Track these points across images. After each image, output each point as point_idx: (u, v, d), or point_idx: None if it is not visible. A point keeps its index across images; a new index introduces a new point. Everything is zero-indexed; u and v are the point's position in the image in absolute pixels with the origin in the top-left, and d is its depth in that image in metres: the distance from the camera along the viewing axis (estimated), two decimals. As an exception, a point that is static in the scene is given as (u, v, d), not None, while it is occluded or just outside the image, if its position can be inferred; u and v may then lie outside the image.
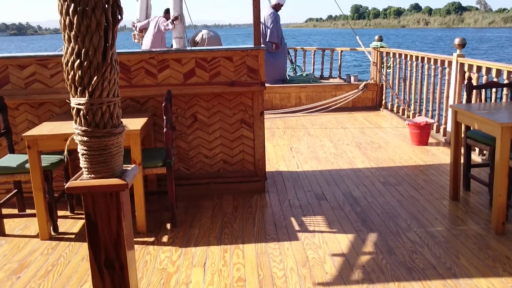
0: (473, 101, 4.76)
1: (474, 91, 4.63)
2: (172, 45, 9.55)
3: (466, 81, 4.10)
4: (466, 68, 5.38)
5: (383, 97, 8.04)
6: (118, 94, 1.65)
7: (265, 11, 8.50)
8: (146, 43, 9.65)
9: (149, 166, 3.54)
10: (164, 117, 3.48)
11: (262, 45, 4.19)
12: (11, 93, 3.90)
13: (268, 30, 8.44)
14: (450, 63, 5.71)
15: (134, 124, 3.50)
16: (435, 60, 6.13)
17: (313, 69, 9.48)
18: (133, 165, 1.81)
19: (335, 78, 9.16)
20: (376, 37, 7.95)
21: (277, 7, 8.70)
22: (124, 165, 1.75)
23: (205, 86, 4.01)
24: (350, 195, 4.21)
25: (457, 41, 5.52)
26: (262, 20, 8.52)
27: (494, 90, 4.72)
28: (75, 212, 3.96)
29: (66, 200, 3.95)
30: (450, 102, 5.65)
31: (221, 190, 4.33)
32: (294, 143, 6.07)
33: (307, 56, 9.68)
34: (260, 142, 4.27)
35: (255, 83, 4.03)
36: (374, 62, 8.01)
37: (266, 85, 7.28)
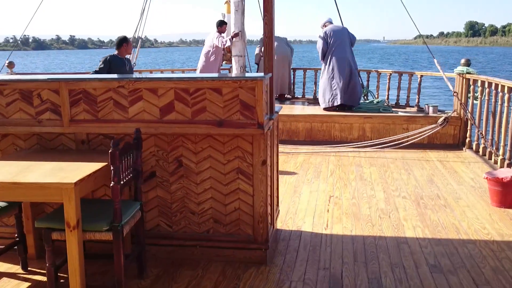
0: None
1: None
2: (231, 67, 8.81)
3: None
4: None
5: (468, 135, 6.54)
6: None
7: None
8: (199, 65, 8.96)
9: (90, 230, 2.70)
10: (111, 168, 2.63)
11: (268, 74, 3.20)
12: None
13: None
14: (551, 100, 4.25)
15: (76, 173, 2.68)
16: (532, 95, 4.66)
17: (388, 95, 8.17)
18: None
19: (413, 107, 7.78)
20: (462, 61, 6.51)
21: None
22: None
23: (186, 125, 3.11)
24: (377, 283, 3.03)
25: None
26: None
27: None
28: (28, 269, 3.24)
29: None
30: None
31: (210, 256, 3.38)
32: (338, 190, 4.93)
33: (382, 80, 8.37)
34: (262, 199, 3.25)
35: (250, 124, 3.04)
36: (455, 92, 6.55)
37: (324, 111, 6.19)
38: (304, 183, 5.20)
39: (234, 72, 8.76)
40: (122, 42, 5.90)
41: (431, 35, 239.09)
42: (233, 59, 8.72)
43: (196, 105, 3.06)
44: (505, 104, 5.33)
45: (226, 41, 8.65)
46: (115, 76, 3.21)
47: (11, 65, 8.16)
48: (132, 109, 3.12)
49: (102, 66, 5.78)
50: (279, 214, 3.95)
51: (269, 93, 3.36)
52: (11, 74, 8.16)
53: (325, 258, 3.41)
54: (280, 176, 5.42)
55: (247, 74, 3.22)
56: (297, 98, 9.25)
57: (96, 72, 5.78)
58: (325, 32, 7.56)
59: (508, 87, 5.24)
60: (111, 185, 2.65)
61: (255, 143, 3.17)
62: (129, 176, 2.90)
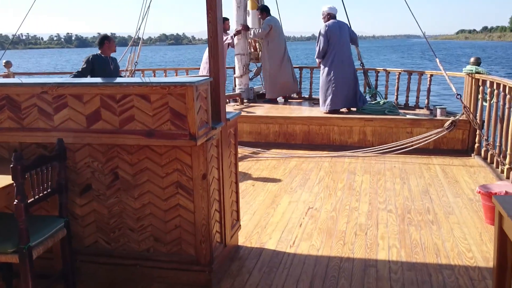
0: None
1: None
2: (235, 66, 8.49)
3: None
4: None
5: (477, 140, 5.99)
6: None
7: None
8: (202, 64, 8.66)
9: (-7, 251, 2.45)
10: (14, 184, 2.37)
11: (208, 76, 2.87)
12: None
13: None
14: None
15: (-19, 188, 2.44)
16: (538, 99, 4.13)
17: (397, 95, 7.63)
18: None
19: (422, 108, 7.24)
20: (472, 59, 5.96)
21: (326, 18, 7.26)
22: None
23: (114, 136, 2.81)
24: (326, 317, 2.66)
25: None
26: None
27: None
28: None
29: None
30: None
31: (152, 277, 3.09)
32: (320, 201, 4.54)
33: (391, 79, 7.84)
34: (203, 217, 2.93)
35: (181, 135, 2.72)
36: (458, 94, 6.00)
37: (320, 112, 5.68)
38: (286, 192, 4.83)
39: (237, 72, 8.45)
40: (104, 40, 5.67)
41: (474, 30, 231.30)
42: (235, 57, 8.41)
43: (124, 113, 2.76)
44: (512, 107, 4.79)
45: (227, 38, 8.33)
46: (39, 81, 2.94)
47: (8, 64, 8.12)
48: (57, 117, 2.85)
49: (85, 66, 5.58)
50: (239, 229, 3.62)
51: (211, 99, 3.03)
52: (8, 74, 8.13)
53: (277, 283, 3.06)
54: (263, 184, 5.12)
55: (177, 79, 2.89)
56: (304, 98, 8.83)
57: (78, 72, 5.59)
58: (327, 28, 7.07)
59: (515, 89, 4.71)
60: (14, 203, 2.38)
61: (194, 155, 2.85)
62: (47, 191, 2.64)
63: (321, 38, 7.09)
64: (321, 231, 3.85)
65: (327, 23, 7.11)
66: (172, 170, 2.92)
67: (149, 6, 8.18)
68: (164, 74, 9.84)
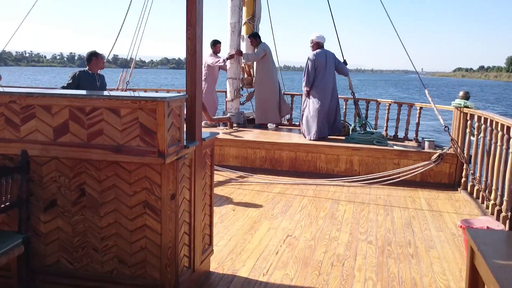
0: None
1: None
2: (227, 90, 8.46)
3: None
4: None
5: (463, 174, 5.91)
6: None
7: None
8: None
9: None
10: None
11: (183, 94, 2.80)
12: None
13: None
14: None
15: None
16: (523, 134, 4.08)
17: (386, 126, 7.59)
18: None
19: (411, 140, 7.19)
20: (461, 93, 5.94)
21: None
22: None
23: (81, 149, 2.72)
24: None
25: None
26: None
27: None
28: None
29: None
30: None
31: (114, 300, 2.94)
32: (300, 229, 4.42)
33: (381, 110, 7.81)
34: (170, 239, 2.81)
35: (150, 152, 2.62)
36: (446, 127, 5.96)
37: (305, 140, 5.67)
38: (266, 218, 4.71)
39: (228, 96, 8.42)
40: (92, 56, 5.64)
41: (471, 69, 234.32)
42: (227, 81, 8.40)
43: (92, 126, 2.68)
44: (498, 143, 4.73)
45: (218, 60, 8.33)
46: (8, 89, 2.86)
47: (-3, 78, 8.06)
48: (24, 127, 2.76)
49: (70, 81, 5.52)
50: (211, 254, 3.49)
51: (187, 117, 2.96)
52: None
53: (244, 313, 2.92)
54: (244, 209, 5.00)
55: (149, 94, 2.81)
56: (294, 124, 8.77)
57: (63, 87, 5.52)
58: (315, 57, 7.12)
59: (501, 124, 4.65)
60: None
61: (163, 173, 2.75)
62: (5, 204, 2.53)
63: (309, 67, 7.15)
64: (297, 260, 3.72)
65: (314, 52, 7.18)
66: (141, 189, 2.81)
67: (144, 28, 8.21)
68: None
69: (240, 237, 4.18)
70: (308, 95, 7.20)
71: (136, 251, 2.89)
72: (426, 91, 6.58)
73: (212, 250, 3.51)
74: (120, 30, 8.15)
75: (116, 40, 8.23)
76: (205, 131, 3.35)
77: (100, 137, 2.68)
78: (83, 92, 2.85)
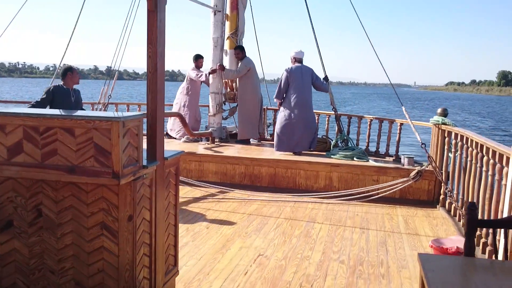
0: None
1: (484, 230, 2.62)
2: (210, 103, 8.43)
3: (467, 210, 2.18)
4: (525, 174, 3.31)
5: (442, 191, 5.89)
6: None
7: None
8: (175, 100, 8.67)
9: None
10: None
11: (141, 113, 2.75)
12: None
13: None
14: (508, 160, 3.65)
15: None
16: (493, 153, 4.06)
17: (368, 142, 7.58)
18: None
19: (392, 156, 7.17)
20: (439, 110, 5.94)
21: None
22: None
23: (34, 170, 2.66)
24: None
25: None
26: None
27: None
28: None
29: None
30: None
31: (71, 325, 2.86)
32: (272, 248, 4.36)
33: (363, 126, 7.80)
34: (127, 262, 2.74)
35: (104, 173, 2.57)
36: (422, 144, 5.95)
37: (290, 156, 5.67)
38: (240, 236, 4.65)
39: (210, 110, 8.39)
40: (67, 71, 5.59)
41: (463, 83, 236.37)
42: (209, 96, 8.37)
43: (46, 146, 2.62)
44: (473, 161, 4.71)
45: (201, 75, 8.32)
46: (-39, 108, 2.80)
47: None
48: (-23, 147, 2.69)
49: (44, 96, 5.46)
50: (176, 275, 3.42)
51: (147, 136, 2.91)
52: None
53: (205, 337, 2.85)
54: (218, 226, 4.94)
55: (104, 114, 2.77)
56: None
57: (37, 102, 5.46)
58: (290, 71, 7.21)
59: (476, 142, 4.64)
60: None
61: (120, 194, 2.69)
62: (-46, 227, 2.46)
63: (282, 80, 7.25)
64: (265, 280, 3.66)
65: (290, 66, 7.27)
66: (98, 210, 2.75)
67: (127, 39, 8.19)
68: (138, 108, 9.75)
69: (211, 256, 4.11)
70: (281, 108, 7.29)
71: (93, 274, 2.82)
72: (403, 108, 6.58)
73: (178, 271, 3.44)
74: (124, 36, 8.11)
75: (127, 47, 8.17)
76: (170, 150, 3.30)
77: (55, 157, 2.63)
78: (37, 111, 2.80)
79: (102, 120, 2.53)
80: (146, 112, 2.94)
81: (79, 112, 2.69)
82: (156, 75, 2.92)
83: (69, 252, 2.83)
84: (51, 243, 2.83)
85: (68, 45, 7.71)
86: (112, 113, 2.80)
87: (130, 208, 2.71)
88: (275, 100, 7.33)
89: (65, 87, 5.58)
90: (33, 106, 5.38)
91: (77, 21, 7.71)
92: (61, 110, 2.99)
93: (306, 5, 7.87)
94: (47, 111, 2.90)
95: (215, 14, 8.09)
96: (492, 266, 1.98)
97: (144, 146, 2.86)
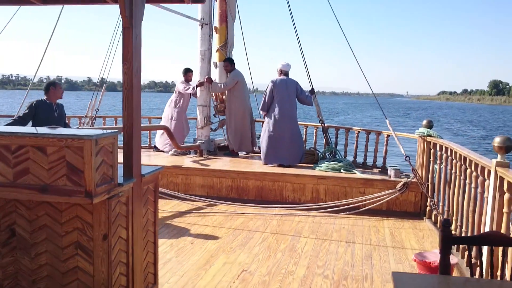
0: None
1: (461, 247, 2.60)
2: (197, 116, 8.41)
3: (440, 229, 2.17)
4: (505, 187, 3.30)
5: (428, 203, 5.88)
6: None
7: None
8: (164, 114, 8.66)
9: None
10: None
11: (114, 131, 2.72)
12: None
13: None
14: (489, 173, 3.65)
15: None
16: (476, 165, 4.06)
17: (355, 153, 7.56)
18: None
19: (379, 168, 7.16)
20: (424, 122, 5.95)
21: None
22: None
23: (6, 189, 2.61)
24: None
25: (497, 141, 3.49)
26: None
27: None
28: None
29: None
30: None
31: None
32: (256, 263, 4.31)
33: (350, 138, 7.80)
34: (102, 282, 2.69)
35: (77, 192, 2.53)
36: (407, 157, 5.96)
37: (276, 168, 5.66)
38: (224, 251, 4.60)
39: (198, 123, 8.36)
40: (49, 86, 5.55)
41: (455, 92, 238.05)
42: (197, 108, 8.35)
43: (18, 165, 2.58)
44: (457, 173, 4.71)
45: (189, 88, 8.31)
46: None
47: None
48: (-52, 167, 2.65)
49: (27, 111, 5.41)
50: (156, 293, 3.37)
51: (123, 153, 2.88)
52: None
53: None
54: (202, 241, 4.89)
55: (76, 131, 2.73)
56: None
57: (19, 117, 5.41)
58: (275, 83, 7.28)
59: (459, 154, 4.64)
60: None
61: (95, 213, 2.65)
62: None
63: (267, 92, 7.30)
64: (247, 298, 3.61)
65: (275, 78, 7.34)
66: (72, 229, 2.71)
67: (115, 52, 8.17)
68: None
69: (194, 273, 4.06)
70: (266, 119, 7.33)
71: (68, 294, 2.76)
72: (387, 121, 6.59)
73: (158, 289, 3.39)
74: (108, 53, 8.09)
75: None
76: (148, 165, 3.27)
77: (27, 176, 2.58)
78: (9, 129, 2.76)
79: (74, 139, 2.49)
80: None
81: (52, 130, 2.65)
82: (132, 92, 2.90)
83: (44, 273, 2.78)
84: (25, 263, 2.78)
85: (43, 56, 7.69)
86: (85, 131, 2.76)
87: (105, 227, 2.67)
88: (260, 111, 7.40)
89: (48, 101, 5.53)
90: (15, 121, 5.33)
91: (53, 32, 7.69)
92: (33, 127, 2.96)
93: (292, 18, 7.89)
94: (19, 129, 2.86)
95: (202, 27, 8.10)
96: (466, 285, 1.96)
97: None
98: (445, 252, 2.10)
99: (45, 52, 7.72)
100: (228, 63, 8.16)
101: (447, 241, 2.10)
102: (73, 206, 2.67)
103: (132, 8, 2.83)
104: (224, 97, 8.63)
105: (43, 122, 5.32)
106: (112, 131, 2.73)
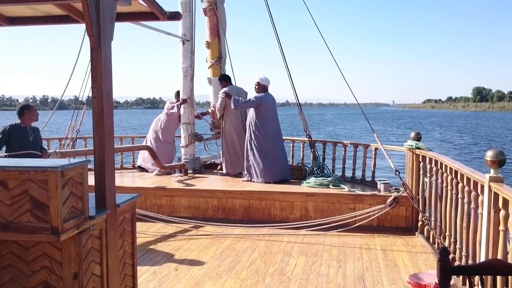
0: None
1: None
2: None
3: (439, 257, 2.00)
4: (500, 203, 3.15)
5: (420, 217, 5.72)
6: None
7: None
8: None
9: None
10: None
11: (87, 159, 2.52)
12: None
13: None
14: (482, 188, 3.50)
15: None
16: (468, 180, 3.91)
17: (343, 168, 7.41)
18: None
19: (368, 182, 7.00)
20: (412, 134, 5.82)
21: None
22: None
23: (-35, 228, 2.39)
24: None
25: (489, 155, 3.35)
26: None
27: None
28: None
29: None
30: (483, 251, 3.39)
31: None
32: (243, 290, 4.10)
33: (338, 151, 7.65)
34: (74, 325, 2.47)
35: (42, 229, 2.32)
36: (397, 171, 5.82)
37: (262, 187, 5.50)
38: (210, 278, 4.38)
39: (182, 141, 8.16)
40: (24, 109, 5.34)
41: (440, 100, 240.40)
42: (181, 127, 8.16)
43: (-22, 201, 2.37)
44: (448, 186, 4.56)
45: (173, 107, 8.12)
46: None
47: None
48: None
49: (0, 137, 5.18)
50: (135, 330, 3.14)
51: (95, 183, 2.68)
52: None
53: None
54: (187, 267, 4.67)
55: (40, 163, 2.52)
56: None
57: (-7, 143, 5.18)
58: (264, 97, 7.17)
59: (450, 167, 4.50)
60: None
61: (64, 250, 2.44)
62: None
63: (255, 100, 7.14)
64: (234, 329, 3.40)
65: (262, 94, 7.21)
66: (40, 268, 2.49)
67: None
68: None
69: (177, 303, 3.84)
70: (253, 138, 7.13)
71: None
72: (375, 135, 6.46)
73: (137, 325, 3.17)
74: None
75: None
76: (123, 194, 3.07)
77: (-13, 212, 2.37)
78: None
79: (38, 171, 2.29)
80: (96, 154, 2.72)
81: (12, 162, 2.45)
82: (103, 116, 2.71)
83: (10, 317, 2.55)
84: (-11, 306, 2.55)
85: None
86: (50, 162, 2.56)
87: (75, 265, 2.46)
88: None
89: (22, 125, 5.31)
90: (-12, 147, 5.11)
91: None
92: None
93: (275, 30, 7.77)
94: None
95: (183, 43, 7.94)
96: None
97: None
98: (444, 284, 1.93)
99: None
100: (223, 81, 7.87)
101: (446, 272, 1.93)
102: (40, 243, 2.46)
103: (100, 27, 2.66)
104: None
105: (18, 148, 5.10)
106: (81, 160, 2.53)
